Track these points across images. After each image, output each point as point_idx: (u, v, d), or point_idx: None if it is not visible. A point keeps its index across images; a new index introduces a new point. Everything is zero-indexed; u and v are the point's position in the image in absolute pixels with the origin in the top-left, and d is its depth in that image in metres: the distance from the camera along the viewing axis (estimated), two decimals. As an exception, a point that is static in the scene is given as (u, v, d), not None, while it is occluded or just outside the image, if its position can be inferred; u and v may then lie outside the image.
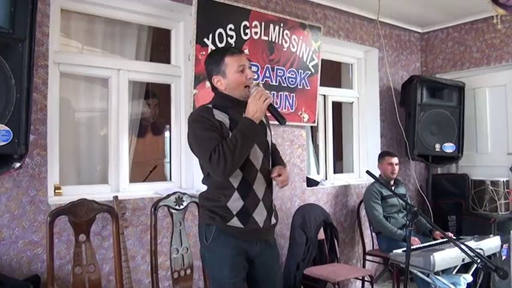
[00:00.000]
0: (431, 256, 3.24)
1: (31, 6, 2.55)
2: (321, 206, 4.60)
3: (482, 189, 5.03)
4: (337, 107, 5.57)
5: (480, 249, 3.22)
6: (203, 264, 2.74)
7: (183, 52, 3.98)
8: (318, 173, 5.28)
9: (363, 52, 5.55)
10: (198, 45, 3.69)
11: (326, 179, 5.19)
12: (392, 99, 5.42)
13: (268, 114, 2.52)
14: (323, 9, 4.86)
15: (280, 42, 4.30)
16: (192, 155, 2.53)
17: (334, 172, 5.33)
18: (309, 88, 4.56)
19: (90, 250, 3.00)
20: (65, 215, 2.93)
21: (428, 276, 3.41)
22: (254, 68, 4.10)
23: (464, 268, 3.65)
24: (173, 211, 3.34)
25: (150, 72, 3.88)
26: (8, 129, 2.48)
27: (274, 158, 2.64)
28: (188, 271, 3.34)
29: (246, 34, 4.02)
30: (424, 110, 5.17)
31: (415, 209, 2.71)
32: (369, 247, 4.96)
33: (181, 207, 3.38)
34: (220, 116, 2.39)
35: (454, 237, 3.81)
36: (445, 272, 3.60)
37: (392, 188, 4.69)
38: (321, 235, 4.38)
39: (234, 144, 2.25)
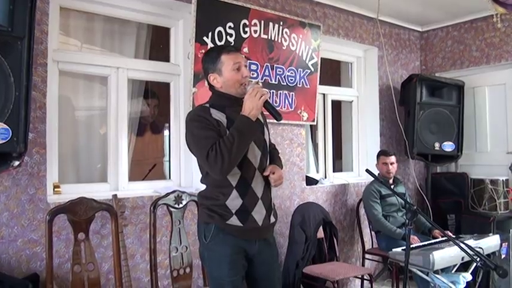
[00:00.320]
0: (430, 255, 3.23)
1: (30, 4, 2.55)
2: (320, 204, 4.60)
3: (481, 188, 5.02)
4: (337, 105, 5.56)
5: (479, 248, 3.21)
6: (202, 263, 2.74)
7: (183, 50, 3.97)
8: (318, 171, 5.27)
9: (363, 51, 5.55)
10: (198, 44, 3.69)
11: (325, 177, 5.19)
12: (391, 98, 5.42)
13: (266, 113, 2.53)
14: (322, 7, 4.86)
15: (279, 41, 4.30)
16: (191, 153, 2.53)
17: (334, 171, 5.33)
18: (308, 87, 4.56)
19: (89, 249, 3.00)
20: (64, 214, 2.93)
21: (427, 275, 3.41)
22: (253, 67, 4.09)
23: (463, 267, 3.64)
24: (172, 210, 3.34)
25: (149, 70, 3.87)
26: (7, 127, 2.48)
27: (272, 157, 2.65)
28: (187, 270, 3.34)
29: (245, 32, 4.01)
30: (423, 108, 5.17)
31: (415, 207, 2.70)
32: (368, 246, 4.96)
33: (181, 205, 3.37)
34: (218, 115, 2.40)
35: (454, 236, 3.81)
36: (445, 270, 3.60)
37: (392, 186, 4.69)
38: (320, 234, 4.38)
39: (231, 142, 2.25)
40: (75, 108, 3.83)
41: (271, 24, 4.21)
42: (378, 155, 4.82)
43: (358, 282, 4.75)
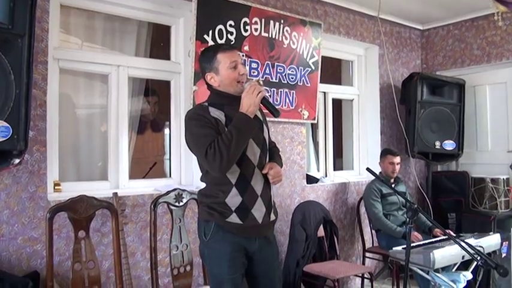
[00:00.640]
0: (431, 253, 3.23)
1: (30, 1, 2.54)
2: (320, 203, 4.59)
3: (482, 187, 5.02)
4: (337, 104, 5.56)
5: (480, 246, 3.22)
6: (202, 261, 2.74)
7: (183, 48, 3.97)
8: (318, 170, 5.27)
9: (363, 49, 5.54)
10: (198, 42, 3.69)
11: (326, 176, 5.19)
12: (392, 96, 5.41)
13: (265, 111, 2.54)
14: (323, 5, 4.85)
15: (280, 39, 4.29)
16: (191, 152, 2.53)
17: (334, 169, 5.32)
18: (309, 85, 4.55)
19: (89, 246, 3.00)
20: (64, 212, 2.93)
21: (428, 274, 3.41)
22: (254, 65, 4.09)
23: (464, 265, 3.64)
24: (173, 208, 3.34)
25: (150, 68, 3.87)
26: (7, 125, 2.47)
27: (272, 155, 2.66)
28: (188, 268, 3.34)
29: (246, 30, 4.01)
30: (424, 107, 5.17)
31: (415, 206, 2.70)
32: (368, 244, 4.96)
33: (181, 204, 3.37)
34: (216, 113, 2.41)
35: (454, 235, 3.80)
36: (445, 269, 3.60)
37: (393, 185, 4.69)
38: (321, 232, 4.38)
39: (229, 139, 2.26)
40: (75, 106, 3.82)
41: (272, 22, 4.20)
42: (384, 154, 4.80)
43: (358, 280, 4.75)
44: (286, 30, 4.33)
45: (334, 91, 5.34)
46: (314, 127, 5.32)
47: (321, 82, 4.72)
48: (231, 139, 2.26)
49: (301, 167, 4.67)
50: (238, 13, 3.96)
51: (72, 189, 3.30)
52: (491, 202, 4.93)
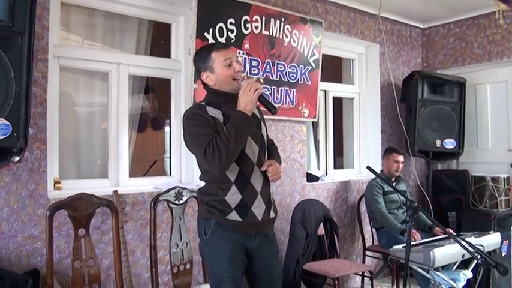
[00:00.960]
0: (431, 252, 3.23)
1: (31, -1, 2.54)
2: (321, 201, 4.60)
3: (482, 186, 5.01)
4: (338, 102, 5.55)
5: (480, 245, 3.22)
6: (202, 259, 2.75)
7: (184, 46, 3.96)
8: (318, 168, 5.27)
9: (364, 47, 5.54)
10: (199, 40, 3.68)
11: (326, 174, 5.18)
12: (393, 94, 5.41)
13: (263, 109, 2.55)
14: (324, 3, 4.84)
15: (281, 37, 4.29)
16: (190, 151, 2.54)
17: (335, 168, 5.32)
18: (309, 83, 4.55)
19: (89, 244, 3.00)
20: (64, 209, 2.93)
21: (428, 272, 3.41)
22: (255, 63, 4.09)
23: (464, 264, 3.64)
24: (173, 206, 3.34)
25: (150, 66, 3.87)
26: (7, 122, 2.48)
27: (270, 152, 2.66)
28: (188, 266, 3.34)
29: (246, 28, 4.00)
30: (424, 105, 5.16)
31: (416, 205, 2.70)
32: (368, 243, 4.96)
33: (181, 202, 3.37)
34: (214, 112, 2.41)
35: (454, 234, 3.80)
36: (445, 268, 3.60)
37: (393, 184, 4.69)
38: (321, 230, 4.38)
39: (228, 137, 2.27)
40: (75, 104, 3.82)
41: (272, 20, 4.20)
42: (389, 152, 4.79)
43: (358, 279, 4.75)
44: (287, 28, 4.32)
45: (335, 89, 5.33)
46: (314, 125, 5.32)
47: (321, 80, 4.72)
48: (230, 137, 2.26)
49: (302, 165, 4.67)
50: (239, 11, 3.96)
51: (72, 187, 3.29)
52: (492, 201, 4.93)
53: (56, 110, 3.31)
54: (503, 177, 4.95)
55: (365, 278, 4.53)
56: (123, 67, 3.68)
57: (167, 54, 4.03)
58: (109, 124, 3.68)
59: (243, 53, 4.00)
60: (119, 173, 3.66)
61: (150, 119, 4.66)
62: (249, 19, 4.02)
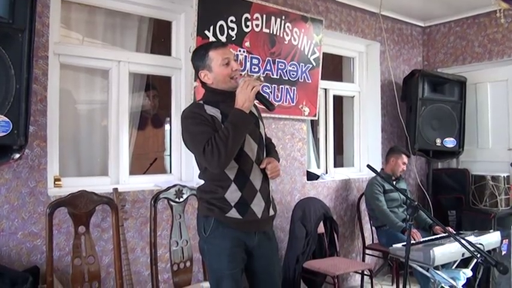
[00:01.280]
0: (431, 251, 3.23)
1: (31, -4, 2.53)
2: (321, 199, 4.59)
3: (482, 185, 5.01)
4: (338, 100, 5.55)
5: (480, 244, 3.22)
6: (202, 256, 2.75)
7: (184, 44, 3.96)
8: (318, 166, 5.27)
9: (365, 46, 5.53)
10: (199, 37, 3.68)
11: (326, 172, 5.18)
12: (393, 93, 5.40)
13: (261, 106, 2.57)
14: (325, 2, 4.84)
15: (281, 35, 4.28)
16: (189, 150, 2.54)
17: (335, 166, 5.32)
18: (310, 81, 4.55)
19: (89, 242, 3.00)
20: (64, 207, 2.92)
21: (428, 271, 3.41)
22: (255, 61, 4.08)
23: (464, 263, 3.64)
24: (173, 204, 3.34)
25: (151, 64, 3.86)
26: (8, 120, 2.47)
27: (268, 150, 2.67)
28: (188, 263, 3.34)
29: (247, 26, 4.00)
30: (425, 104, 5.16)
31: (416, 203, 2.70)
32: (368, 241, 4.97)
33: (181, 199, 3.37)
34: (212, 110, 2.42)
35: (454, 232, 3.80)
36: (445, 266, 3.60)
37: (394, 182, 4.69)
38: (321, 229, 4.38)
39: (226, 135, 2.27)
40: (76, 101, 3.82)
41: (273, 18, 4.19)
42: (398, 152, 4.77)
43: (358, 277, 4.75)
44: (288, 27, 4.32)
45: (335, 88, 5.33)
46: (315, 124, 5.31)
47: (322, 79, 4.72)
48: (228, 135, 2.27)
49: (302, 163, 4.67)
50: (240, 9, 3.96)
51: (72, 185, 3.30)
52: (492, 200, 4.93)
53: (56, 108, 3.31)
54: (503, 176, 4.95)
55: (365, 277, 4.53)
56: (124, 65, 3.68)
57: (168, 52, 4.03)
58: (109, 122, 3.68)
59: (244, 51, 3.99)
60: (119, 170, 3.66)
61: (151, 117, 4.66)
62: (249, 17, 4.01)
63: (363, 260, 4.90)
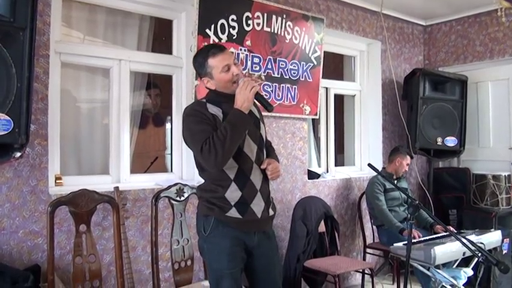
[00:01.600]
0: (432, 250, 3.23)
1: (32, -6, 2.53)
2: (322, 198, 4.59)
3: (483, 184, 5.01)
4: (339, 99, 5.55)
5: (481, 243, 3.21)
6: (202, 256, 2.75)
7: (185, 43, 3.96)
8: (319, 165, 5.26)
9: (366, 44, 5.53)
10: (200, 36, 3.68)
11: (327, 171, 5.18)
12: (394, 92, 5.40)
13: (261, 107, 2.58)
14: (326, 0, 4.84)
15: (282, 34, 4.28)
16: (189, 148, 2.54)
17: (336, 165, 5.32)
18: (311, 80, 4.54)
19: (90, 240, 2.99)
20: (65, 205, 2.92)
21: (428, 270, 3.41)
22: (256, 60, 4.08)
23: (464, 262, 3.64)
24: (174, 202, 3.33)
25: (152, 62, 3.86)
26: (9, 118, 2.47)
27: (268, 153, 2.68)
28: (189, 262, 3.34)
29: (248, 25, 3.99)
30: (426, 103, 5.15)
31: (417, 202, 2.70)
32: (369, 240, 4.97)
33: (182, 198, 3.37)
34: (214, 109, 2.43)
35: (455, 231, 3.80)
36: (446, 265, 3.60)
37: (395, 181, 4.68)
38: (322, 228, 4.38)
39: (224, 134, 2.28)
40: (77, 100, 3.82)
41: (274, 17, 4.19)
42: (403, 153, 4.76)
43: (359, 276, 4.75)
44: (289, 25, 4.32)
45: (336, 86, 5.33)
46: (316, 122, 5.31)
47: (323, 77, 4.71)
48: (226, 135, 2.28)
49: (303, 162, 4.67)
50: (241, 7, 3.95)
51: (73, 183, 3.30)
52: (493, 199, 4.93)
53: (57, 106, 3.31)
54: (504, 175, 4.95)
55: (365, 276, 4.53)
56: (125, 63, 3.68)
57: (169, 51, 4.02)
58: (110, 120, 3.68)
59: (245, 50, 3.99)
60: (120, 169, 3.66)
61: (152, 116, 4.66)
62: (250, 16, 4.01)
63: (364, 259, 4.90)
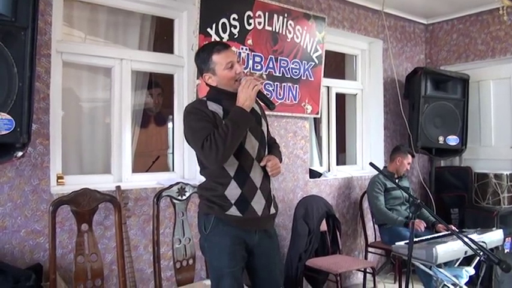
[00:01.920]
0: (433, 248, 3.23)
1: (33, -6, 2.53)
2: (323, 197, 4.59)
3: (485, 182, 5.00)
4: (341, 98, 5.55)
5: (483, 242, 3.21)
6: (202, 254, 2.76)
7: (186, 42, 3.95)
8: (321, 164, 5.26)
9: (367, 43, 5.52)
10: (202, 35, 3.68)
11: (329, 170, 5.18)
12: (396, 91, 5.39)
13: (263, 105, 2.58)
14: (327, -1, 4.84)
15: (284, 33, 4.28)
16: (190, 146, 2.55)
17: (337, 164, 5.32)
18: (312, 79, 4.54)
19: (92, 239, 3.00)
20: (67, 205, 2.92)
21: (430, 269, 3.40)
22: (258, 59, 4.08)
23: (466, 261, 3.63)
24: (176, 201, 3.34)
25: (153, 62, 3.86)
26: (10, 118, 2.47)
27: (271, 150, 2.68)
28: (190, 261, 3.34)
29: (249, 24, 3.99)
30: (428, 102, 5.15)
31: (418, 201, 2.70)
32: (371, 239, 4.96)
33: (184, 197, 3.37)
34: (214, 106, 2.45)
35: (457, 230, 3.80)
36: (448, 264, 3.60)
37: (396, 180, 4.68)
38: (324, 227, 4.38)
39: (225, 132, 2.29)
40: (78, 99, 3.82)
41: (275, 16, 4.19)
42: (405, 152, 4.76)
43: (360, 275, 4.75)
44: (290, 24, 4.31)
45: (338, 85, 5.33)
46: (317, 122, 5.31)
47: (324, 76, 4.71)
48: (227, 132, 2.29)
49: (304, 161, 4.67)
50: (242, 6, 3.95)
51: (75, 182, 3.30)
52: (494, 198, 4.92)
53: (58, 106, 3.32)
54: (506, 174, 4.93)
55: (367, 275, 4.53)
56: (126, 62, 3.68)
57: (170, 50, 4.02)
58: (112, 120, 3.68)
59: (246, 49, 3.99)
60: (122, 168, 3.66)
61: (153, 115, 4.66)
62: (252, 15, 4.01)
63: (366, 258, 4.90)
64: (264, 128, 2.62)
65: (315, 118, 5.04)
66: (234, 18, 3.88)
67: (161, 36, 4.20)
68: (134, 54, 3.77)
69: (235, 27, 3.90)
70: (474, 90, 5.48)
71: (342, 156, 5.65)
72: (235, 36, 3.90)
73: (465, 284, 3.51)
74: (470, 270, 3.55)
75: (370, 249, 4.91)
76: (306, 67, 4.48)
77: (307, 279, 4.31)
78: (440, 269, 3.39)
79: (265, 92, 3.93)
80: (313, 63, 4.53)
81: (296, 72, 4.40)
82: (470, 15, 5.55)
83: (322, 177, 4.90)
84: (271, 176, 2.56)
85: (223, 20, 3.82)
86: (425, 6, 5.39)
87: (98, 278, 2.97)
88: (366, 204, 4.96)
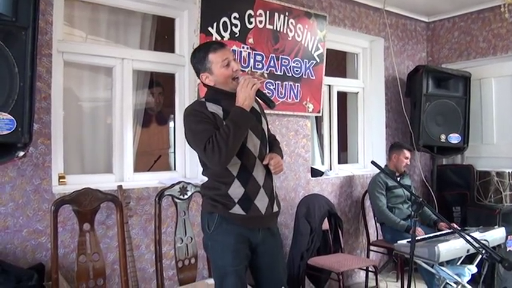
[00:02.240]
0: (436, 247, 3.23)
1: (34, -6, 2.53)
2: (325, 196, 4.59)
3: (487, 180, 5.00)
4: (342, 97, 5.54)
5: (485, 240, 3.21)
6: (206, 253, 2.76)
7: (188, 41, 3.95)
8: (323, 163, 5.26)
9: (369, 41, 5.51)
10: (203, 34, 3.67)
11: (331, 169, 5.17)
12: (397, 89, 5.39)
13: (262, 104, 2.58)
14: (328, -2, 4.83)
15: (285, 31, 4.27)
16: (191, 148, 2.55)
17: (339, 162, 5.31)
18: (314, 78, 4.54)
19: (94, 239, 3.00)
20: (69, 204, 2.93)
21: (432, 267, 3.41)
22: (259, 58, 4.07)
23: (468, 259, 3.64)
24: (177, 201, 3.34)
25: (154, 61, 3.86)
26: (12, 117, 2.47)
27: (272, 147, 2.68)
28: (192, 260, 3.35)
29: (250, 23, 3.99)
30: (429, 100, 5.14)
31: (420, 199, 2.70)
32: (373, 237, 4.96)
33: (186, 196, 3.37)
34: (213, 107, 2.44)
35: (459, 229, 3.80)
36: (450, 262, 3.60)
37: (398, 178, 4.67)
38: (326, 225, 4.38)
39: (227, 133, 2.29)
40: (80, 99, 3.82)
41: (276, 14, 4.19)
42: (399, 148, 4.76)
43: (362, 274, 4.75)
44: (291, 23, 4.31)
45: (339, 84, 5.32)
46: (319, 120, 5.31)
47: (325, 75, 4.70)
48: (229, 133, 2.28)
49: (306, 160, 4.66)
50: (243, 5, 3.95)
51: (76, 182, 3.30)
52: (497, 196, 4.92)
53: (60, 105, 3.31)
54: (508, 172, 4.93)
55: (369, 273, 4.53)
56: (127, 62, 3.68)
57: (171, 49, 4.02)
58: (113, 119, 3.68)
59: (247, 48, 3.99)
60: (124, 168, 3.66)
61: (155, 114, 4.66)
62: (253, 13, 4.00)
63: (368, 257, 4.89)
64: (265, 126, 2.62)
65: (316, 117, 5.03)
66: (235, 17, 3.88)
67: (162, 35, 4.20)
68: (135, 53, 3.77)
69: (236, 26, 3.89)
70: (476, 88, 5.47)
71: (344, 154, 5.65)
72: (236, 35, 3.90)
73: (467, 282, 3.52)
74: (472, 269, 3.56)
75: (372, 247, 4.91)
76: (307, 66, 4.47)
77: (309, 278, 4.30)
78: (442, 267, 3.40)
79: (265, 91, 3.94)
80: (315, 62, 4.53)
81: (297, 70, 4.39)
82: (472, 13, 5.54)
83: (323, 176, 4.89)
84: (274, 174, 2.56)
85: (224, 18, 3.82)
86: (426, 4, 5.38)
87: (100, 277, 2.98)
88: (367, 203, 4.96)
